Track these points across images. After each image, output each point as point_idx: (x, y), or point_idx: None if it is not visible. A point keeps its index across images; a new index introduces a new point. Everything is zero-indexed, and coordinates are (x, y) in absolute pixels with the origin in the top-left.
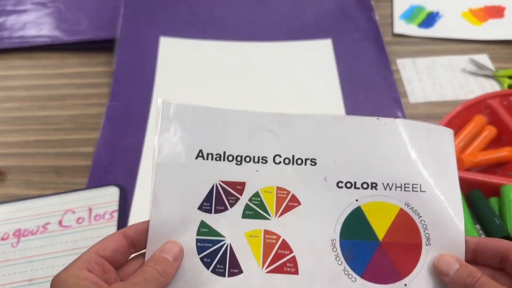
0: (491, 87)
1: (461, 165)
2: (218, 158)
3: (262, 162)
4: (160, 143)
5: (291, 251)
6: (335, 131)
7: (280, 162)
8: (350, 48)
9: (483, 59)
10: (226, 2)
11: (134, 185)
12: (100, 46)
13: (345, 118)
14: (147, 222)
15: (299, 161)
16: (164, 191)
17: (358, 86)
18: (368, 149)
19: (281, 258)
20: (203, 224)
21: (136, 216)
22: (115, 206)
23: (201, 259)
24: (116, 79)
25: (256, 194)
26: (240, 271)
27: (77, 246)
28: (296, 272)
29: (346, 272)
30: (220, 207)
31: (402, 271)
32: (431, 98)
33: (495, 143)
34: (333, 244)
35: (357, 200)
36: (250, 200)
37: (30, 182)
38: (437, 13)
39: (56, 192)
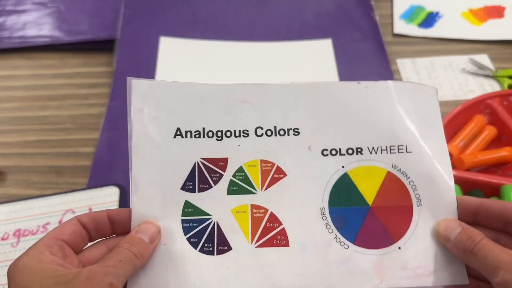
0: (491, 87)
1: (461, 165)
2: (197, 135)
3: (243, 136)
4: (134, 124)
5: (280, 224)
6: (316, 99)
7: (262, 135)
8: (350, 48)
9: (483, 59)
10: (226, 2)
11: None
12: (100, 46)
13: (324, 84)
14: (103, 211)
15: (282, 132)
16: (144, 174)
17: None
18: (351, 114)
19: (270, 232)
20: (187, 204)
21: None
22: (115, 206)
23: (188, 239)
24: (116, 79)
25: (240, 169)
26: (229, 248)
27: None
28: (286, 244)
29: (338, 240)
30: (204, 186)
31: (395, 234)
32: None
33: (495, 143)
34: (322, 213)
35: (343, 167)
36: (234, 175)
37: (30, 182)
38: (437, 13)
39: (56, 192)
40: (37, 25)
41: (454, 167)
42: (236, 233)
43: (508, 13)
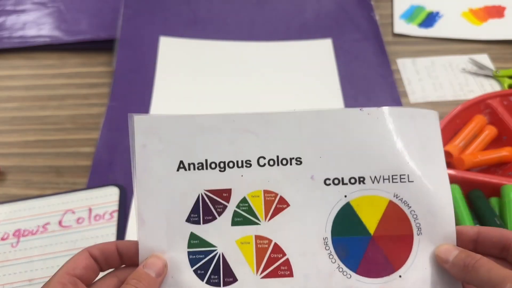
0: (491, 87)
1: (462, 165)
2: (200, 167)
3: (246, 166)
4: (137, 160)
5: (284, 254)
6: (318, 127)
7: (265, 164)
8: (350, 48)
9: (483, 59)
10: (226, 2)
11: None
12: (100, 46)
13: (327, 112)
14: (112, 243)
15: (284, 161)
16: (149, 209)
17: (358, 86)
18: (354, 142)
19: (274, 262)
20: (193, 236)
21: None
22: (115, 206)
23: (195, 271)
24: (116, 79)
25: (244, 200)
26: (235, 280)
27: (77, 246)
28: (290, 275)
29: (341, 270)
30: (208, 217)
31: (395, 263)
32: (431, 98)
33: (495, 143)
34: (325, 243)
35: (345, 196)
36: (238, 206)
37: (30, 182)
38: (437, 13)
39: (56, 192)
40: (37, 25)
41: (454, 167)
42: (241, 264)
43: (508, 13)
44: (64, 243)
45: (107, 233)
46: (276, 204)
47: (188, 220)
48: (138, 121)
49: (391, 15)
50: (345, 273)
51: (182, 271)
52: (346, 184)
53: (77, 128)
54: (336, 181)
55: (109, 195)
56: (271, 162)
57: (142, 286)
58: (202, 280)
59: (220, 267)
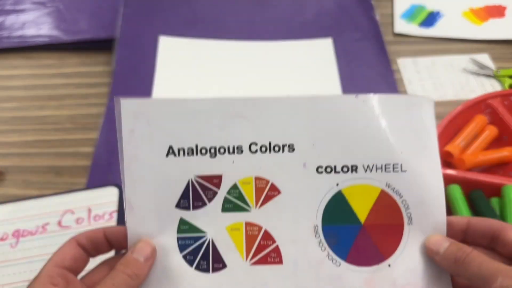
0: (492, 87)
1: (462, 165)
2: (190, 153)
3: (237, 152)
4: (125, 145)
5: (274, 241)
6: (312, 113)
7: (256, 151)
8: (350, 48)
9: (484, 58)
10: (226, 2)
11: None
12: (99, 46)
13: (322, 98)
14: (100, 230)
15: (276, 148)
16: (137, 195)
17: (359, 85)
18: (348, 129)
19: (264, 249)
20: (182, 222)
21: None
22: (114, 206)
23: (184, 256)
24: (115, 79)
25: (234, 186)
26: (224, 266)
27: None
28: (280, 262)
29: (330, 257)
30: (198, 203)
31: (385, 252)
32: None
33: (496, 143)
34: (315, 231)
35: (337, 185)
36: (228, 193)
37: (29, 182)
38: (438, 13)
39: (55, 193)
40: (36, 24)
41: (455, 167)
42: (231, 250)
43: (509, 12)
44: None
45: None
46: (267, 191)
47: (178, 206)
48: (125, 105)
49: (392, 15)
50: (334, 261)
51: (171, 256)
52: (338, 172)
53: (76, 128)
54: (328, 169)
55: (109, 196)
56: (263, 149)
57: (129, 271)
58: (191, 266)
59: (209, 253)
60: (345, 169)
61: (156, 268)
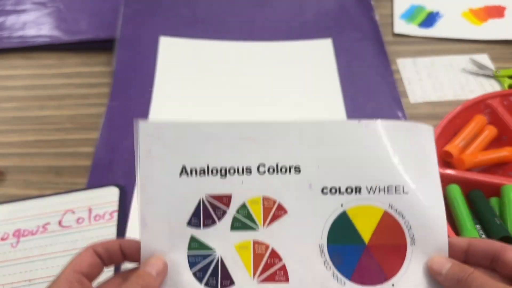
0: (491, 87)
1: (462, 165)
2: (202, 173)
3: (246, 173)
4: (142, 165)
5: (281, 259)
6: (317, 137)
7: (264, 172)
8: (350, 48)
9: (484, 59)
10: (226, 2)
11: (134, 185)
12: (100, 46)
13: (326, 123)
14: (116, 241)
15: (283, 170)
16: (151, 213)
17: (358, 86)
18: (351, 153)
19: (271, 267)
20: (193, 239)
21: (136, 216)
22: (115, 206)
23: (194, 274)
24: (116, 79)
25: (243, 206)
26: (232, 283)
27: (76, 246)
28: (286, 280)
29: (335, 277)
30: (209, 221)
31: (389, 272)
32: (432, 98)
33: (495, 143)
34: (321, 250)
35: (342, 205)
36: (237, 212)
37: (29, 182)
38: (438, 13)
39: (55, 192)
40: (36, 25)
41: (454, 167)
42: (239, 268)
43: (508, 13)
44: (64, 243)
45: (107, 233)
46: (275, 211)
47: (189, 223)
48: (143, 127)
49: (391, 15)
50: (339, 280)
51: (181, 273)
52: (343, 193)
53: (76, 128)
54: (333, 190)
55: (109, 195)
56: (271, 170)
57: (142, 283)
58: (201, 283)
59: (218, 270)
60: (349, 190)
61: (167, 284)
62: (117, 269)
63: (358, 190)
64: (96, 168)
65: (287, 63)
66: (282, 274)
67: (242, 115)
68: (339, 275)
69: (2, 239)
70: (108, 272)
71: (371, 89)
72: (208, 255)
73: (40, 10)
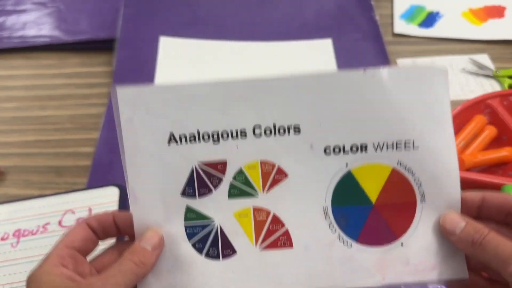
0: (491, 87)
1: (462, 165)
2: (192, 139)
3: (241, 137)
4: (124, 135)
5: (283, 225)
6: (317, 92)
7: (261, 134)
8: (350, 48)
9: (483, 59)
10: (226, 2)
11: None
12: (100, 46)
13: (327, 75)
14: (109, 214)
15: (282, 130)
16: (141, 185)
17: None
18: (356, 107)
19: (274, 233)
20: (189, 210)
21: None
22: (115, 206)
23: (193, 245)
24: (116, 79)
25: (240, 172)
26: (234, 252)
27: None
28: (290, 245)
29: (341, 239)
30: (204, 190)
31: (397, 231)
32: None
33: (495, 143)
34: (325, 212)
35: (346, 165)
36: (234, 178)
37: (30, 182)
38: (437, 13)
39: (56, 192)
40: (37, 25)
41: None
42: (240, 236)
43: (508, 13)
44: None
45: None
46: (274, 175)
47: (183, 194)
48: (121, 93)
49: (391, 15)
50: (345, 243)
51: (179, 244)
52: (347, 152)
53: (77, 128)
54: (336, 150)
55: (109, 195)
56: (268, 131)
57: (136, 259)
58: (201, 253)
59: (218, 240)
60: (354, 148)
61: (165, 257)
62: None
63: (364, 148)
64: (96, 168)
65: (287, 63)
66: (286, 240)
67: None
68: (345, 237)
69: (2, 239)
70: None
71: None
72: (207, 225)
73: (40, 10)
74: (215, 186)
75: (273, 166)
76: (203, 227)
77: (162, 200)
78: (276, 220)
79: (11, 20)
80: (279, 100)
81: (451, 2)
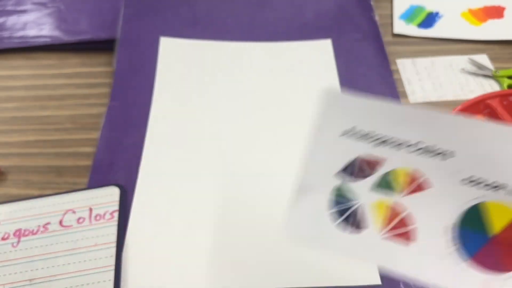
0: (490, 87)
1: None
2: (360, 138)
3: (404, 146)
4: (320, 125)
5: (408, 226)
6: (474, 135)
7: (420, 149)
8: (350, 48)
9: (483, 59)
10: (227, 2)
11: (135, 185)
12: (100, 46)
13: (486, 125)
14: None
15: (439, 152)
16: (312, 158)
17: (358, 86)
18: (505, 154)
19: (397, 229)
20: (337, 187)
21: (136, 216)
22: (115, 206)
23: (331, 213)
24: (116, 79)
25: (388, 173)
26: (359, 231)
27: (77, 246)
28: (410, 242)
29: (456, 253)
30: (355, 178)
31: (507, 267)
32: (431, 98)
33: None
34: (448, 229)
35: (483, 197)
36: (382, 176)
37: (30, 182)
38: (437, 13)
39: (56, 192)
40: (37, 25)
41: None
42: (370, 222)
43: (507, 13)
44: (64, 242)
45: (107, 233)
46: (416, 185)
47: (338, 174)
48: (330, 96)
49: (391, 15)
50: (458, 257)
51: (320, 208)
52: (487, 188)
53: (77, 128)
54: (477, 182)
55: (110, 195)
56: (427, 150)
57: None
58: (334, 222)
59: (351, 218)
60: (493, 185)
61: (306, 208)
62: (117, 274)
63: (502, 187)
64: (96, 168)
65: (286, 63)
66: (408, 238)
67: (242, 114)
68: (460, 253)
69: (3, 239)
70: (109, 271)
71: (370, 89)
72: (347, 203)
73: (40, 10)
74: (364, 177)
75: (421, 176)
76: (344, 203)
77: (319, 173)
78: (404, 220)
79: (11, 20)
80: (441, 129)
81: (450, 3)
